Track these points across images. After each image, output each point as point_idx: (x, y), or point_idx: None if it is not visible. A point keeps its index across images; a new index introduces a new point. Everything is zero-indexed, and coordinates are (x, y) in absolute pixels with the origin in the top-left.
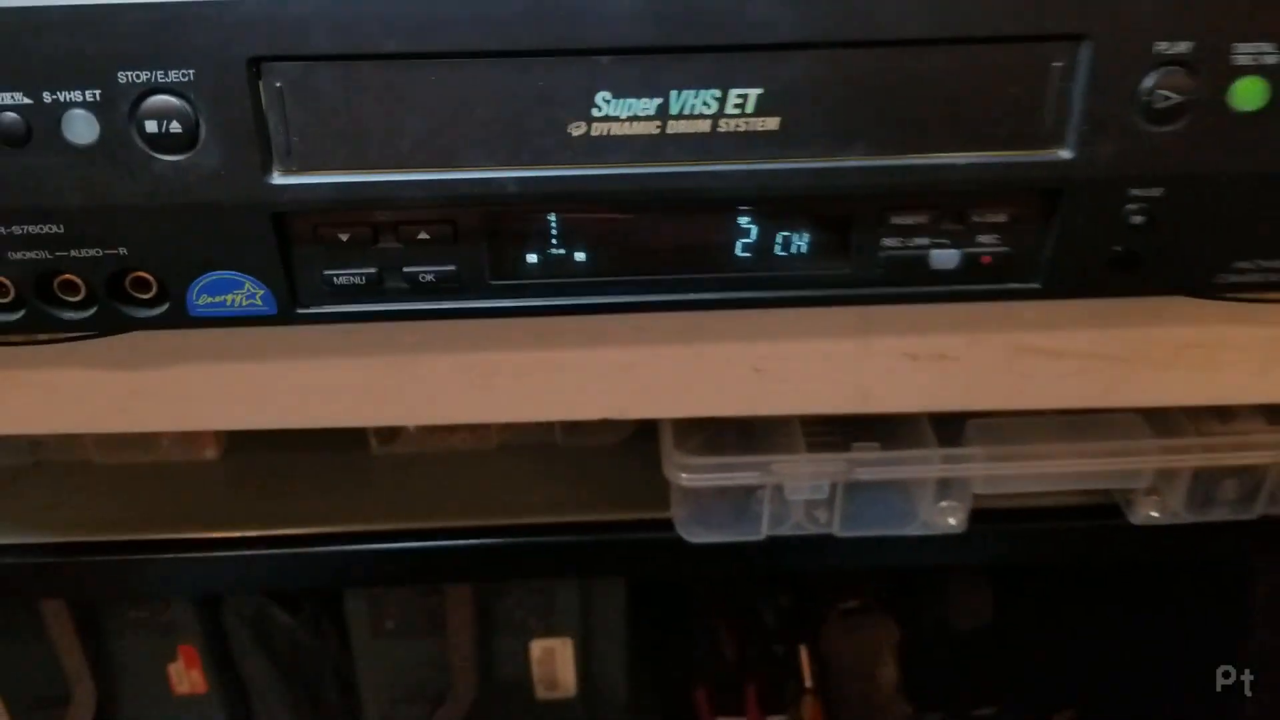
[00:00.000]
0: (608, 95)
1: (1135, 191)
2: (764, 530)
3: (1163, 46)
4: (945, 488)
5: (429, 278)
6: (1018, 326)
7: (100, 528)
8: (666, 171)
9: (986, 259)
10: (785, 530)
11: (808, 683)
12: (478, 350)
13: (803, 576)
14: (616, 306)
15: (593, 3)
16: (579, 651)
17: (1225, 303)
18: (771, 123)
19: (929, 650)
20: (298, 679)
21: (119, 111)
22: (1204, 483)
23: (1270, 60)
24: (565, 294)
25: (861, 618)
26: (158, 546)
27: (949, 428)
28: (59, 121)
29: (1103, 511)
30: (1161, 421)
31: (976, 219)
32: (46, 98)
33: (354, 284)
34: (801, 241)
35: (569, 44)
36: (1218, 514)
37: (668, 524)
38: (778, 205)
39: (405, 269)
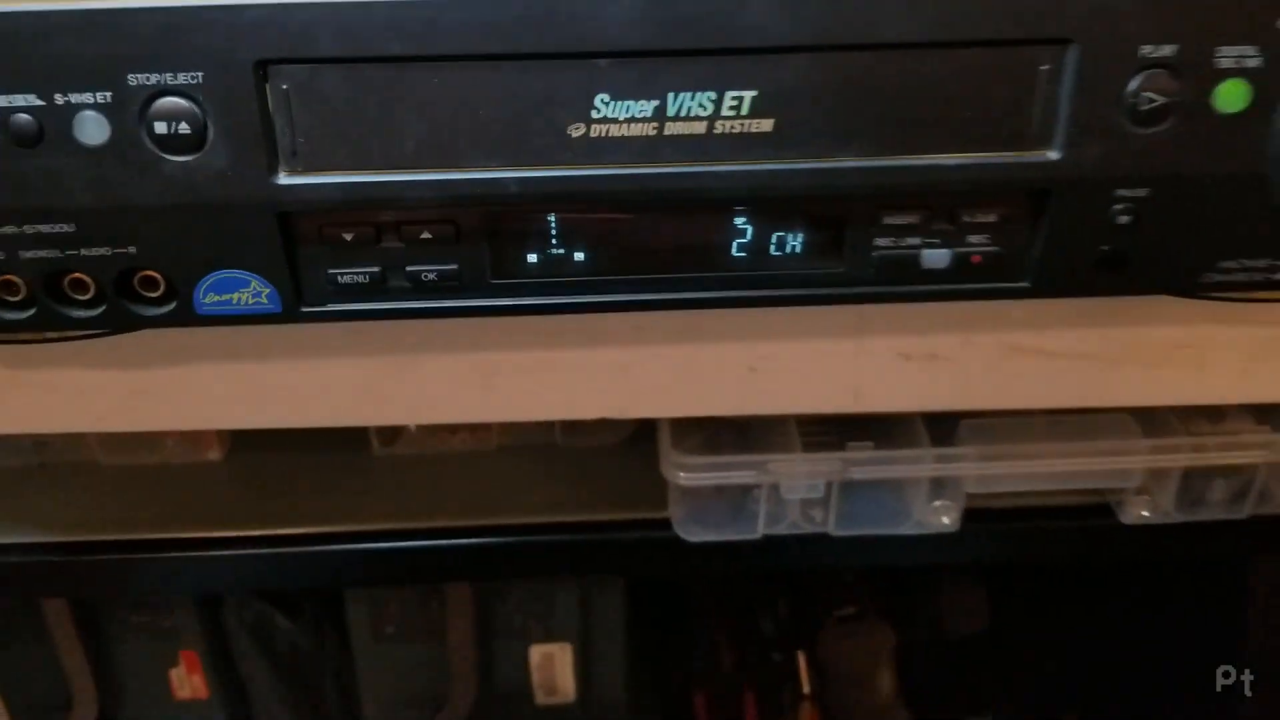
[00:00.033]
0: (606, 97)
1: (1122, 192)
2: (760, 529)
3: (1147, 50)
4: (939, 487)
5: (431, 276)
6: (1009, 327)
7: (104, 527)
8: (664, 172)
9: (977, 258)
10: (781, 529)
11: (806, 689)
12: (478, 350)
13: (800, 583)
14: (615, 305)
15: (592, 7)
16: (578, 657)
17: (1213, 303)
18: (766, 124)
19: (926, 656)
20: (298, 683)
21: (129, 113)
22: (1194, 483)
23: (1252, 63)
24: (564, 293)
25: (858, 625)
26: (161, 545)
27: (943, 428)
28: (70, 123)
29: (1095, 512)
30: (1151, 422)
31: (967, 219)
32: (58, 99)
33: (357, 283)
34: (796, 241)
35: (568, 47)
36: (1208, 514)
37: (666, 524)
38: (772, 205)
39: (408, 268)
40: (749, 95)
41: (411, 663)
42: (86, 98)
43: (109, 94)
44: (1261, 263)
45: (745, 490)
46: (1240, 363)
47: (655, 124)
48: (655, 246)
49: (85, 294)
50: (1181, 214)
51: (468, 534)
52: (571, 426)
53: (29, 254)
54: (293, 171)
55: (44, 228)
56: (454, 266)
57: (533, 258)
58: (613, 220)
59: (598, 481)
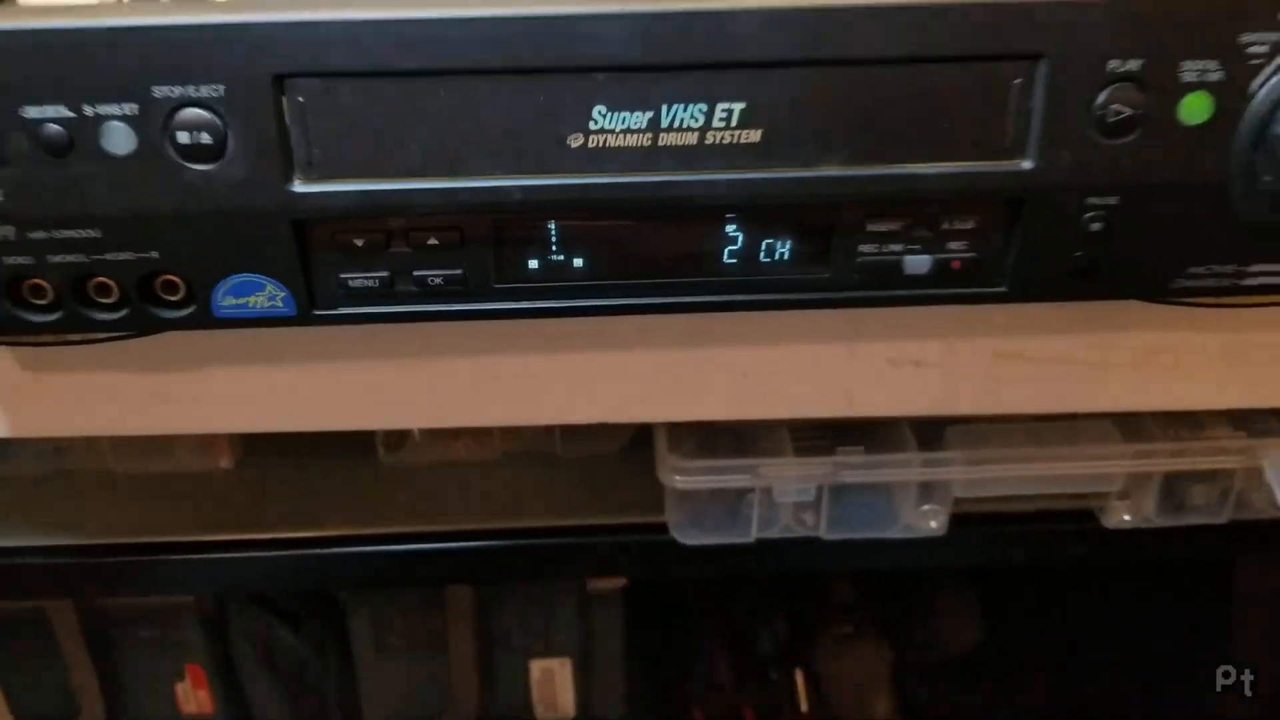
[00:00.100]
0: (604, 109)
1: (1092, 200)
2: (754, 533)
3: (1115, 64)
4: (927, 491)
5: (437, 281)
6: (992, 333)
7: (118, 531)
8: (658, 180)
9: (956, 264)
10: (774, 533)
11: (803, 707)
12: (479, 356)
13: (797, 601)
14: (612, 309)
15: (590, 25)
16: (578, 673)
17: (1188, 310)
18: (754, 135)
19: (922, 673)
20: (302, 697)
21: (154, 124)
22: (1174, 488)
23: (1214, 77)
24: (564, 297)
25: (855, 643)
26: (173, 548)
27: (931, 434)
28: (99, 133)
29: (1079, 517)
30: (1133, 428)
31: (946, 227)
32: (87, 111)
33: (368, 287)
34: (784, 248)
35: (568, 62)
36: (1189, 518)
37: (662, 528)
38: (761, 212)
39: (415, 273)
40: (738, 107)
41: (413, 677)
42: (114, 109)
43: (135, 106)
44: (1228, 268)
45: (739, 494)
46: (1218, 369)
47: (650, 134)
48: (650, 253)
49: (109, 297)
50: (1150, 221)
51: (471, 537)
52: (571, 435)
53: (57, 258)
54: (307, 180)
55: (71, 233)
56: (459, 271)
57: (534, 263)
58: (610, 227)
59: (597, 488)
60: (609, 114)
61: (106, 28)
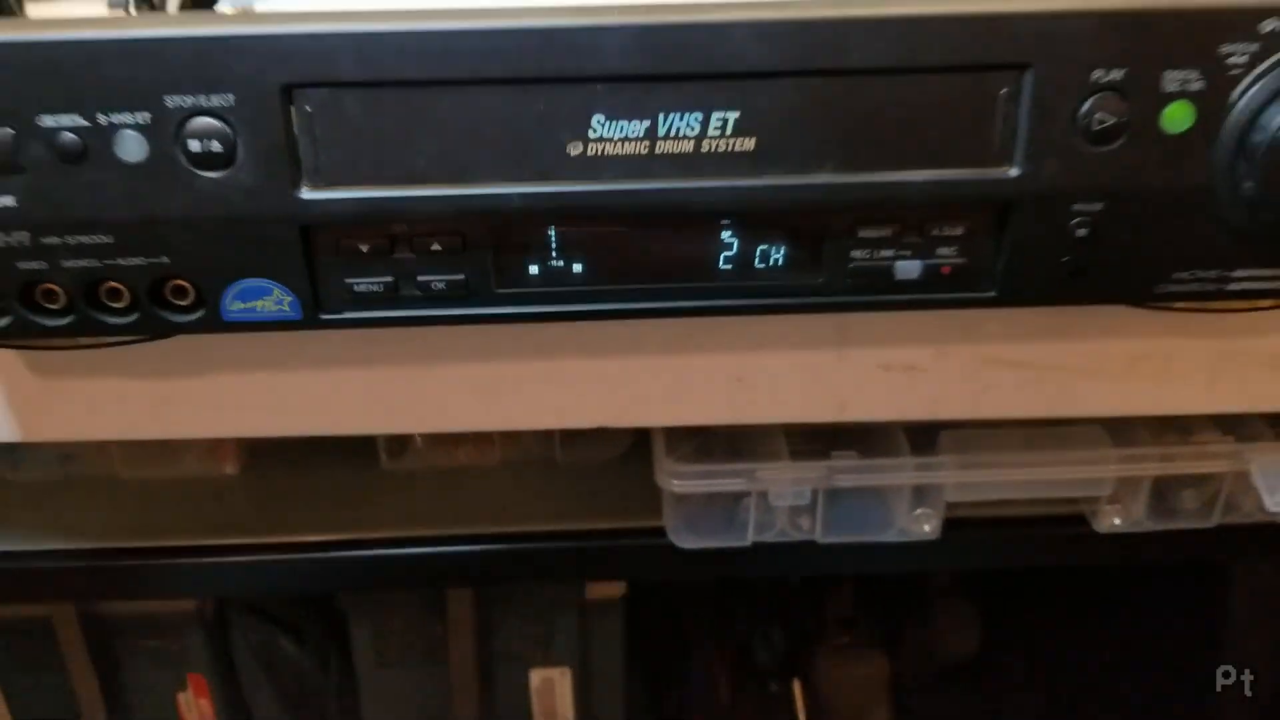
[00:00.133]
0: (602, 118)
1: (1078, 206)
2: (750, 537)
3: (1099, 74)
4: (920, 495)
5: (440, 286)
6: (983, 339)
7: (124, 535)
8: (655, 187)
9: (946, 269)
10: (770, 537)
11: (801, 717)
12: (479, 361)
13: (795, 613)
14: (610, 314)
15: (589, 36)
16: (577, 682)
17: (1175, 316)
18: (748, 143)
19: (920, 683)
20: (303, 707)
21: (166, 132)
22: (1164, 492)
23: (1196, 86)
24: (563, 301)
25: (853, 654)
26: (177, 552)
27: (924, 439)
28: (112, 141)
29: (1071, 521)
30: (1123, 433)
31: (936, 233)
32: (101, 120)
33: (372, 291)
34: (778, 254)
35: (568, 73)
36: (1178, 522)
37: (660, 532)
38: (755, 219)
39: (419, 278)
40: (732, 116)
41: (414, 686)
42: (127, 118)
43: (148, 115)
44: (1212, 273)
45: (736, 499)
46: (1204, 375)
47: (647, 143)
48: (648, 259)
49: (120, 302)
50: (1135, 227)
51: (471, 541)
52: (570, 442)
53: (70, 263)
54: (315, 187)
55: (84, 238)
56: (461, 276)
57: (534, 268)
58: (608, 233)
59: (595, 493)
60: (608, 123)
61: (121, 39)
